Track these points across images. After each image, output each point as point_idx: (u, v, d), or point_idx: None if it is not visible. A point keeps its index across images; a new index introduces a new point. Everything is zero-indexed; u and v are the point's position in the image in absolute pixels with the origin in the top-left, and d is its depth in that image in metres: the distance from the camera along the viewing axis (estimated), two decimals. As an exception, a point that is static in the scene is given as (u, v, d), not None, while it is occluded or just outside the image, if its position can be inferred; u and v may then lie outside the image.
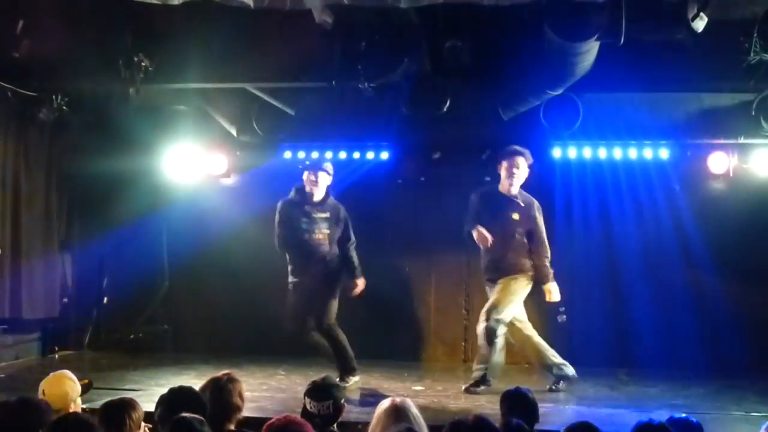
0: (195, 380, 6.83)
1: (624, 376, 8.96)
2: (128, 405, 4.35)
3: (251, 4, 6.28)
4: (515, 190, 8.11)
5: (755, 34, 7.25)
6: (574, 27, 6.69)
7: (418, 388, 8.19)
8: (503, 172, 8.10)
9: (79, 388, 4.91)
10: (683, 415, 4.52)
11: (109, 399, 4.48)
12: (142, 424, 4.41)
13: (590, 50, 7.22)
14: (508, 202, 8.09)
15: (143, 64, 7.98)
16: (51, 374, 4.93)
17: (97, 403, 4.60)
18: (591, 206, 9.97)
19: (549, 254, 8.14)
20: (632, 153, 9.71)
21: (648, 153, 9.70)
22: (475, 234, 7.89)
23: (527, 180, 8.23)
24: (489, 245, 7.89)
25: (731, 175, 9.59)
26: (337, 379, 7.49)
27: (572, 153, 9.77)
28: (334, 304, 8.15)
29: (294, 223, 8.11)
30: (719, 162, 9.54)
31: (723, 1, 6.52)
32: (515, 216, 8.07)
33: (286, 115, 9.52)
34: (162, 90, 8.97)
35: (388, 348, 9.76)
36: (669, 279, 9.70)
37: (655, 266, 9.79)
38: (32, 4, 7.80)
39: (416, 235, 10.13)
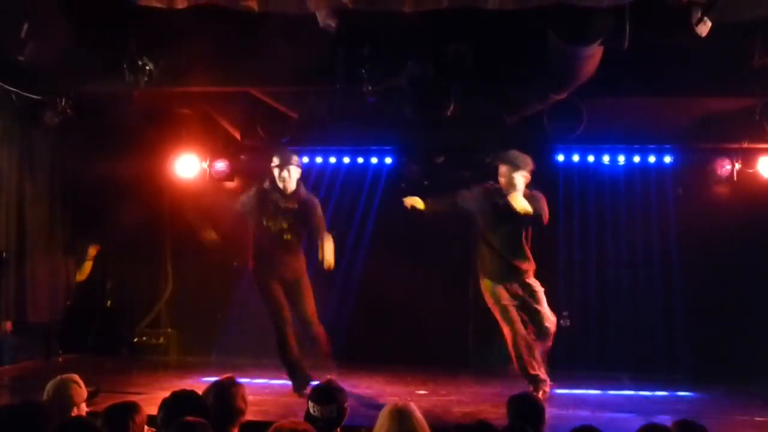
0: (198, 384, 6.86)
1: (627, 381, 8.95)
2: (131, 408, 4.35)
3: (255, 7, 6.28)
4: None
5: (759, 39, 7.26)
6: (579, 31, 6.68)
7: (422, 392, 8.18)
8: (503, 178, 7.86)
9: (84, 392, 4.92)
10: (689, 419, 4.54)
11: (112, 403, 4.47)
12: (146, 427, 4.41)
13: (594, 54, 7.21)
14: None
15: (147, 67, 7.98)
16: (56, 378, 4.94)
17: (101, 407, 4.60)
18: (594, 211, 9.97)
19: None
20: (636, 157, 9.71)
21: (651, 158, 9.71)
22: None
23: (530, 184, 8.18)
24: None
25: (735, 179, 9.58)
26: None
27: (576, 157, 9.77)
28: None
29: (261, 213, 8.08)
30: (723, 167, 9.54)
31: (727, 6, 6.50)
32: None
33: (290, 118, 9.53)
34: (166, 93, 8.97)
35: (391, 352, 9.75)
36: (673, 283, 9.70)
37: (659, 270, 9.79)
38: (37, 7, 7.80)
39: (419, 240, 10.13)
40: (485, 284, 7.90)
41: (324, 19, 7.09)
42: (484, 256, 7.97)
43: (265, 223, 8.01)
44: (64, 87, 8.79)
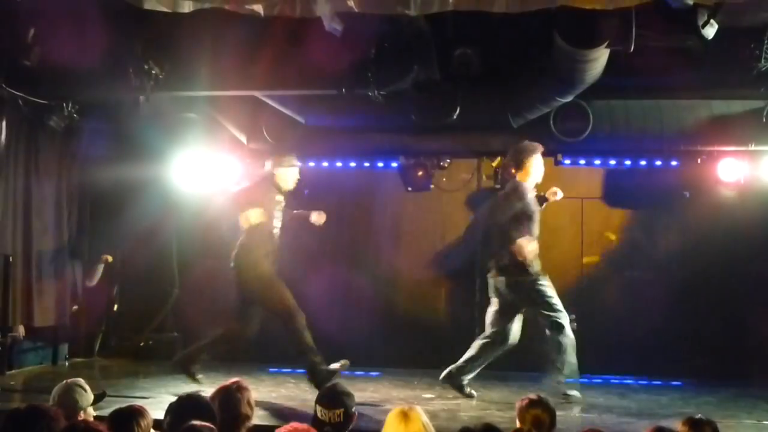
0: (204, 388, 6.86)
1: (634, 385, 8.93)
2: (137, 413, 4.34)
3: (261, 12, 6.29)
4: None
5: (765, 41, 7.24)
6: (584, 34, 6.68)
7: (428, 396, 8.16)
8: (535, 169, 7.72)
9: (90, 397, 4.93)
10: (699, 415, 4.54)
11: (118, 407, 4.47)
12: (152, 431, 4.41)
13: (600, 57, 7.21)
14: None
15: (153, 71, 8.01)
16: (63, 382, 4.95)
17: (107, 411, 4.60)
18: (600, 214, 9.96)
19: None
20: (642, 161, 9.69)
21: (658, 160, 9.69)
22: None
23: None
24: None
25: (742, 182, 9.56)
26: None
27: (582, 160, 9.76)
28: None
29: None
30: (730, 169, 9.51)
31: (733, 8, 6.50)
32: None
33: (295, 123, 9.54)
34: (172, 98, 8.98)
35: (397, 356, 9.74)
36: (678, 287, 9.68)
37: (663, 274, 9.78)
38: (43, 12, 7.82)
39: (425, 243, 10.13)
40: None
41: (330, 23, 7.09)
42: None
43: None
44: (70, 91, 8.81)
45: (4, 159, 8.87)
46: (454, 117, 8.49)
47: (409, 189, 10.09)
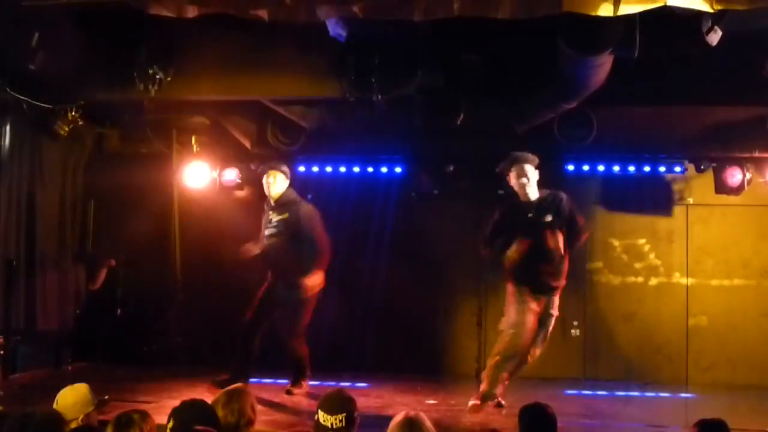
0: (208, 393, 6.85)
1: (638, 392, 8.92)
2: (140, 417, 4.34)
3: (266, 16, 6.29)
4: (533, 195, 7.79)
5: (770, 48, 7.25)
6: (589, 40, 6.67)
7: (432, 401, 8.16)
8: (514, 183, 7.76)
9: (94, 401, 4.92)
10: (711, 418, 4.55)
11: (121, 411, 4.47)
12: (155, 436, 4.41)
13: (604, 63, 7.20)
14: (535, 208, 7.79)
15: (158, 76, 8.01)
16: (67, 387, 4.95)
17: (110, 415, 4.60)
18: (605, 220, 9.95)
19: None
20: (646, 167, 9.69)
21: (662, 167, 9.68)
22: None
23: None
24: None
25: (746, 188, 9.55)
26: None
27: (586, 167, 9.75)
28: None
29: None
30: (734, 176, 9.50)
31: (737, 15, 6.49)
32: (548, 218, 7.74)
33: (299, 128, 9.54)
34: (176, 102, 8.99)
35: (401, 362, 9.73)
36: (682, 292, 9.68)
37: (666, 278, 9.77)
38: (47, 17, 7.83)
39: (430, 249, 10.12)
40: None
41: (334, 28, 7.10)
42: None
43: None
44: (74, 96, 8.83)
45: (8, 163, 8.89)
46: (458, 122, 8.48)
47: (413, 194, 10.09)
